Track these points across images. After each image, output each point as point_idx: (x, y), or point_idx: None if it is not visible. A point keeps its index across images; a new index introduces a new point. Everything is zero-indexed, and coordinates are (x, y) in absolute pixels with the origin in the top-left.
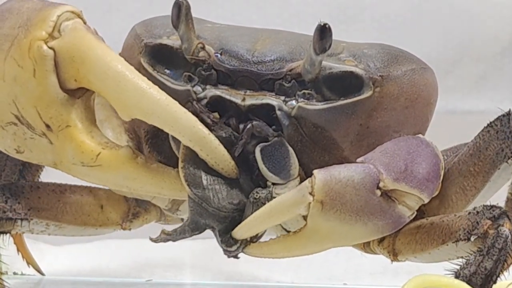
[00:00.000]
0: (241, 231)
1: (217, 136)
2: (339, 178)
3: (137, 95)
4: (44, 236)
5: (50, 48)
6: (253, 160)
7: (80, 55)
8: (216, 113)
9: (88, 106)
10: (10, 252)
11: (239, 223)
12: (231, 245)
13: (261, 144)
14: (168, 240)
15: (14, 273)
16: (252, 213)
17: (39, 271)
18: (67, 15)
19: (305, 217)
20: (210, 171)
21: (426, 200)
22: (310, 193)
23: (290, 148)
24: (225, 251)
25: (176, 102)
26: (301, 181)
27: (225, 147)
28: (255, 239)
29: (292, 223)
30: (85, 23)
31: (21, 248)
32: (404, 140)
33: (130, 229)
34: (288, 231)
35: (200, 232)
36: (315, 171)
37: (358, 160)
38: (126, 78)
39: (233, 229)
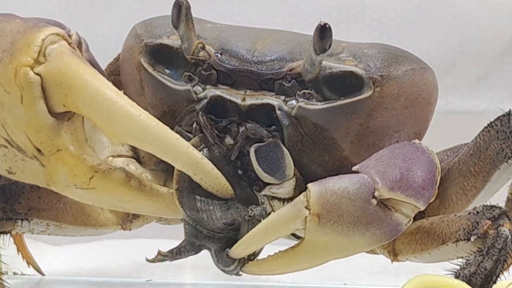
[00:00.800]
0: (238, 250)
1: (211, 156)
2: (334, 190)
3: (127, 122)
4: (44, 236)
5: (37, 74)
6: (248, 163)
7: (67, 82)
8: (217, 132)
9: (77, 126)
10: (10, 252)
11: (235, 242)
12: (229, 264)
13: (256, 145)
14: (164, 260)
15: (14, 273)
16: (247, 231)
17: (39, 271)
18: (51, 38)
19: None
20: (204, 192)
21: (422, 208)
22: (306, 207)
23: (284, 149)
24: (223, 271)
25: (167, 128)
26: (297, 181)
27: (221, 163)
28: (252, 257)
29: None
30: (70, 44)
31: (21, 248)
32: (400, 147)
33: (130, 229)
34: (298, 236)
35: (196, 253)
36: (309, 185)
37: (354, 168)
38: (116, 104)
39: (229, 248)
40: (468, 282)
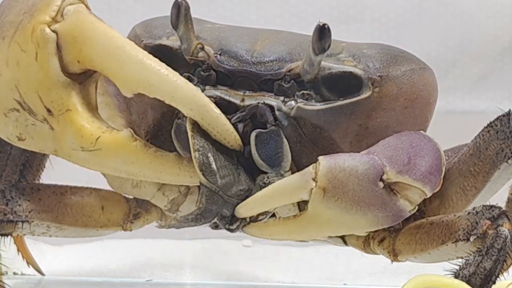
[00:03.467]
0: (242, 210)
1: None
2: (343, 166)
3: (137, 67)
4: (44, 236)
5: (53, 31)
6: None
7: (82, 34)
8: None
9: (90, 92)
10: (10, 252)
11: None
12: (232, 223)
13: (257, 130)
14: (173, 227)
15: (14, 273)
16: None
17: (39, 271)
18: (71, 0)
19: (299, 205)
20: (219, 157)
21: (429, 194)
22: (313, 179)
23: (285, 140)
24: (226, 229)
25: (176, 73)
26: None
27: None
28: (255, 219)
29: (282, 211)
30: (88, 8)
31: (21, 248)
32: (406, 135)
33: (131, 230)
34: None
35: (210, 221)
36: (320, 157)
37: (362, 153)
38: (126, 52)
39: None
40: (468, 282)
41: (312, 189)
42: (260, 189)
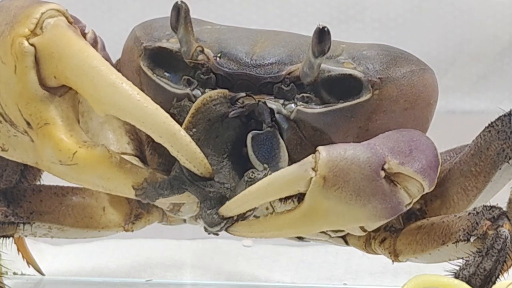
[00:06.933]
0: (230, 207)
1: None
2: (344, 155)
3: (109, 90)
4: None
5: (31, 44)
6: (244, 147)
7: (58, 51)
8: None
9: (70, 104)
10: (10, 252)
11: (223, 202)
12: (215, 224)
13: (253, 132)
14: (145, 194)
15: (14, 273)
16: None
17: (39, 271)
18: (51, 12)
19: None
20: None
21: (427, 189)
22: (313, 168)
23: (281, 141)
24: (205, 230)
25: (149, 98)
26: None
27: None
28: (242, 218)
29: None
30: (70, 21)
31: (21, 248)
32: (406, 130)
33: (132, 231)
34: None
35: (179, 193)
36: (319, 147)
37: (362, 143)
38: (100, 73)
39: (215, 207)
40: (468, 282)
41: (311, 178)
42: (246, 183)
